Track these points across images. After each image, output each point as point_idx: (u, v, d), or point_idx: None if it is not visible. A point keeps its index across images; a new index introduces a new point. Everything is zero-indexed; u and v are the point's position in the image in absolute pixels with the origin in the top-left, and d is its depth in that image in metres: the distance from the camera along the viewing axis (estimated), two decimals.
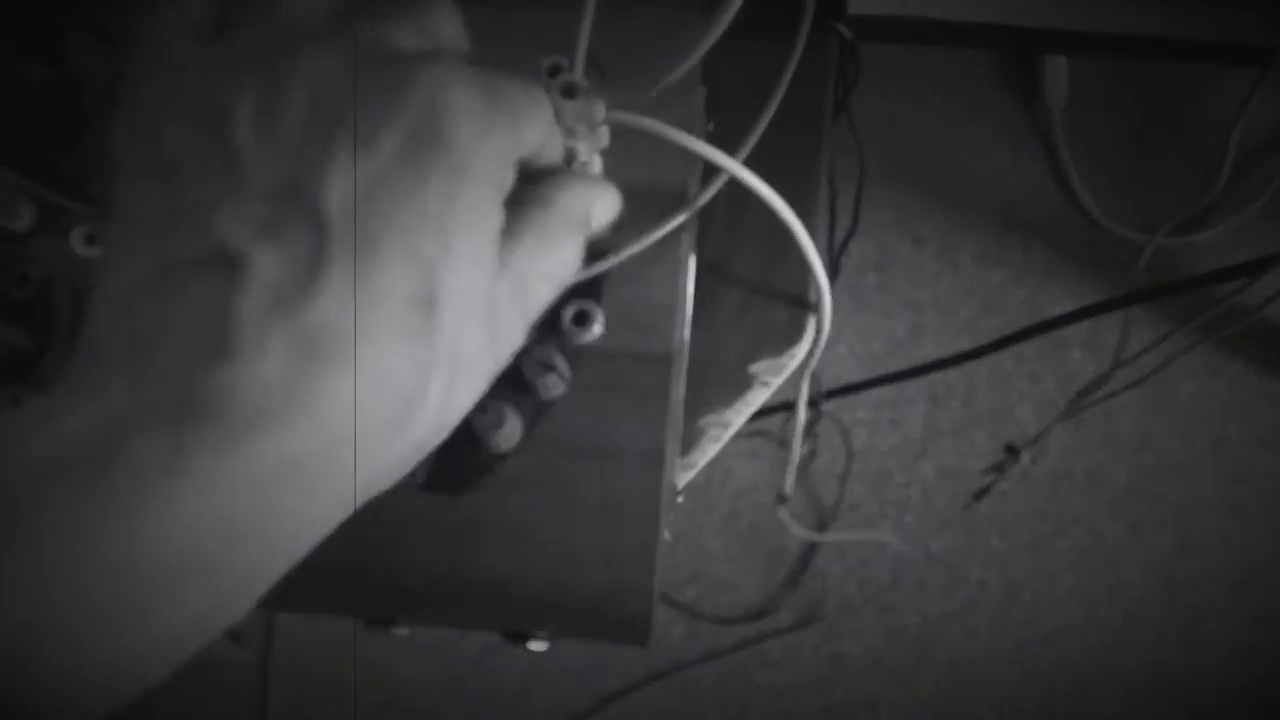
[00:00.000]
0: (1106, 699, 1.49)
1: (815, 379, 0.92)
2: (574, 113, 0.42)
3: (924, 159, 1.52)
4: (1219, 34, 0.56)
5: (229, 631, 0.35)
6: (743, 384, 0.56)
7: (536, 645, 0.50)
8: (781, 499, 0.98)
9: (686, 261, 0.49)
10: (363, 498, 0.35)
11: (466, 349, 0.36)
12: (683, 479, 0.55)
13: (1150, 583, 1.49)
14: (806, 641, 1.51)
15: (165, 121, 0.35)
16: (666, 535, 0.49)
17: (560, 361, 0.47)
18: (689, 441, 0.56)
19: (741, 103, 0.49)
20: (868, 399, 1.50)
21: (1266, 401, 1.49)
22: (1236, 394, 1.49)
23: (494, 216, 0.36)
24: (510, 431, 0.47)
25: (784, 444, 1.49)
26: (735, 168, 0.44)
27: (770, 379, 0.56)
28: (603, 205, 0.43)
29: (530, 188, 0.40)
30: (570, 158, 0.46)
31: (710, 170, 0.46)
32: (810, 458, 1.48)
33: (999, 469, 1.30)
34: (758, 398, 0.57)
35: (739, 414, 0.56)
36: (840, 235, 0.71)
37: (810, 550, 1.51)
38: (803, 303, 0.57)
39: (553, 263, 0.40)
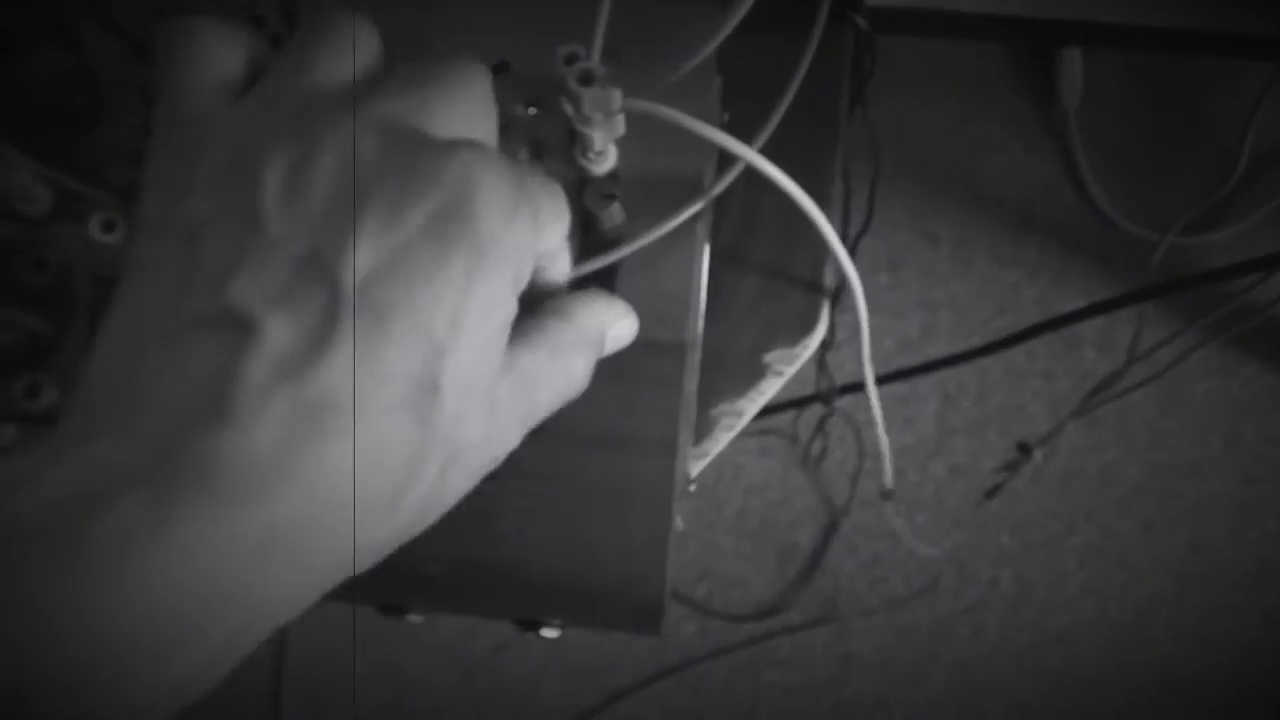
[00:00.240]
0: (1117, 697, 1.49)
1: (829, 375, 0.92)
2: (590, 100, 0.42)
3: (937, 157, 1.52)
4: (1235, 25, 0.56)
5: None
6: (756, 373, 0.57)
7: (549, 632, 0.50)
8: (886, 495, 0.97)
9: (701, 251, 0.49)
10: (342, 574, 0.35)
11: (463, 439, 0.36)
12: (695, 468, 0.55)
13: (1162, 581, 1.49)
14: (817, 639, 1.51)
15: (191, 184, 0.35)
16: (679, 524, 0.49)
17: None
18: (702, 431, 0.56)
19: (757, 94, 0.49)
20: (880, 396, 1.49)
21: None
22: (1250, 393, 1.48)
23: (508, 307, 0.36)
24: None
25: (795, 441, 1.49)
26: (750, 155, 0.44)
27: (784, 368, 0.57)
28: (620, 329, 0.43)
29: (551, 299, 0.40)
30: (586, 145, 0.46)
31: (725, 160, 0.46)
32: (822, 455, 1.48)
33: (1011, 467, 1.30)
34: (771, 387, 0.57)
35: (752, 403, 0.56)
36: (853, 233, 0.71)
37: (821, 548, 1.51)
38: (817, 293, 0.57)
39: (562, 375, 0.40)
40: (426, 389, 0.34)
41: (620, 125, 0.45)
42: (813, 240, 0.48)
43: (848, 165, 0.60)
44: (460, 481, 0.37)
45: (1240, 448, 1.49)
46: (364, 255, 0.33)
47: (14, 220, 0.48)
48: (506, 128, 0.40)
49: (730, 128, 0.44)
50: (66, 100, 0.49)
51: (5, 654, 0.28)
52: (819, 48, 0.50)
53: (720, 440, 0.56)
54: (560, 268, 0.43)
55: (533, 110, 0.48)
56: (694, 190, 0.48)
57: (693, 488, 0.54)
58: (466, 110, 0.37)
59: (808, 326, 0.57)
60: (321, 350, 0.32)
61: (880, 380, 0.87)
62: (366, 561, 0.35)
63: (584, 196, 0.46)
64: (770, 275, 0.57)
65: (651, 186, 0.48)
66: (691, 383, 0.49)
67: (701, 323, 0.49)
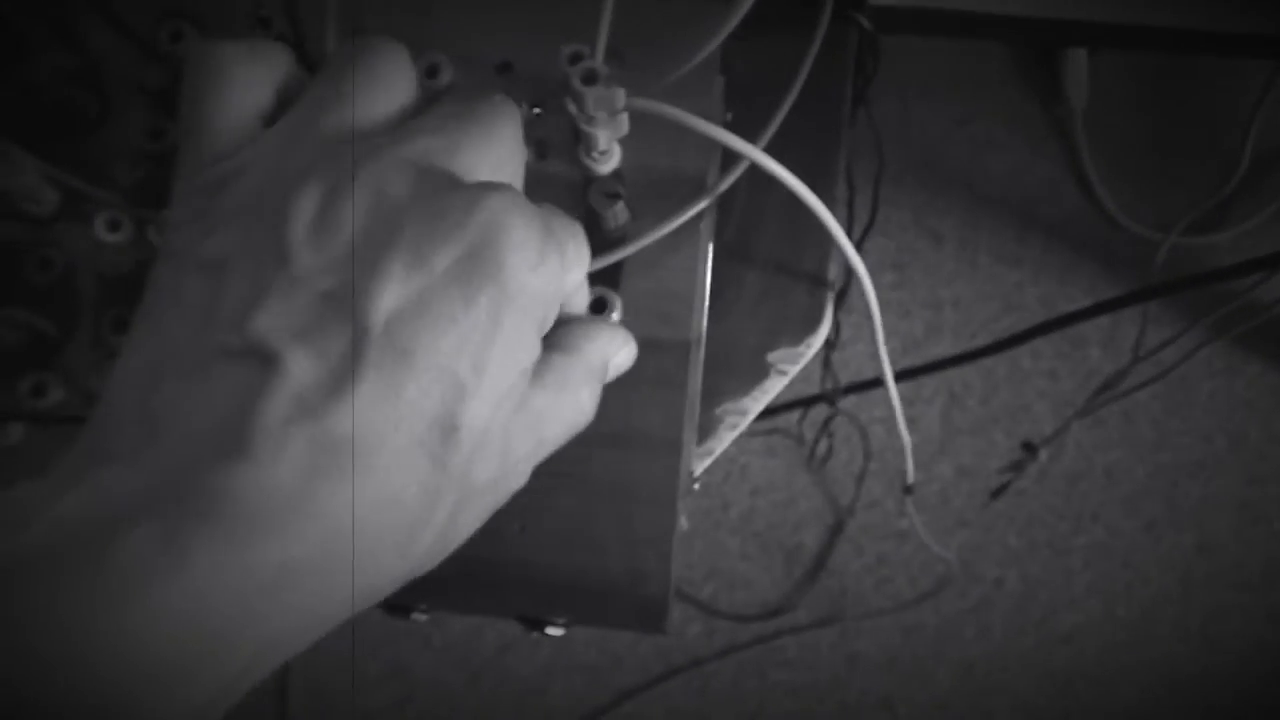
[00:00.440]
0: (1123, 697, 1.49)
1: (833, 375, 0.92)
2: (594, 99, 0.42)
3: (942, 157, 1.52)
4: (1238, 25, 0.56)
5: None
6: (760, 372, 0.57)
7: (554, 631, 0.50)
8: (908, 490, 0.97)
9: (705, 250, 0.49)
10: (352, 610, 0.35)
11: (477, 479, 0.36)
12: (700, 466, 0.55)
13: (1168, 581, 1.49)
14: (823, 639, 1.51)
15: (219, 214, 0.35)
16: (683, 522, 0.49)
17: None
18: (706, 429, 0.56)
19: (760, 94, 0.50)
20: (884, 397, 1.49)
21: None
22: (1255, 392, 1.48)
23: (531, 352, 0.37)
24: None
25: (801, 441, 1.49)
26: (756, 154, 0.44)
27: (788, 367, 0.57)
28: (622, 357, 0.44)
29: (555, 333, 0.40)
30: (590, 144, 0.46)
31: (729, 159, 0.46)
32: (827, 455, 1.48)
33: (1016, 467, 1.30)
34: (775, 386, 0.57)
35: (756, 402, 0.56)
36: (857, 233, 0.71)
37: (827, 548, 1.51)
38: (821, 292, 0.57)
39: (570, 410, 0.40)
40: (446, 430, 0.34)
41: (624, 124, 0.45)
42: (817, 238, 0.48)
43: (851, 165, 0.60)
44: (470, 522, 0.37)
45: (1245, 447, 1.49)
46: (390, 295, 0.33)
47: (20, 220, 0.48)
48: None
49: (733, 127, 0.44)
50: (72, 100, 0.49)
51: (34, 673, 0.28)
52: (822, 47, 0.50)
53: (724, 439, 0.56)
54: (580, 302, 0.44)
55: (537, 110, 0.48)
56: (698, 189, 0.48)
57: (697, 486, 0.54)
58: (498, 153, 0.37)
59: (812, 325, 0.57)
60: (343, 388, 0.32)
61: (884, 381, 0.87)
62: (375, 598, 0.35)
63: (588, 196, 0.46)
64: (774, 274, 0.57)
65: (655, 185, 0.48)
66: (696, 381, 0.49)
67: (705, 321, 0.49)
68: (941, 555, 1.37)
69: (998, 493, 1.39)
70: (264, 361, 0.32)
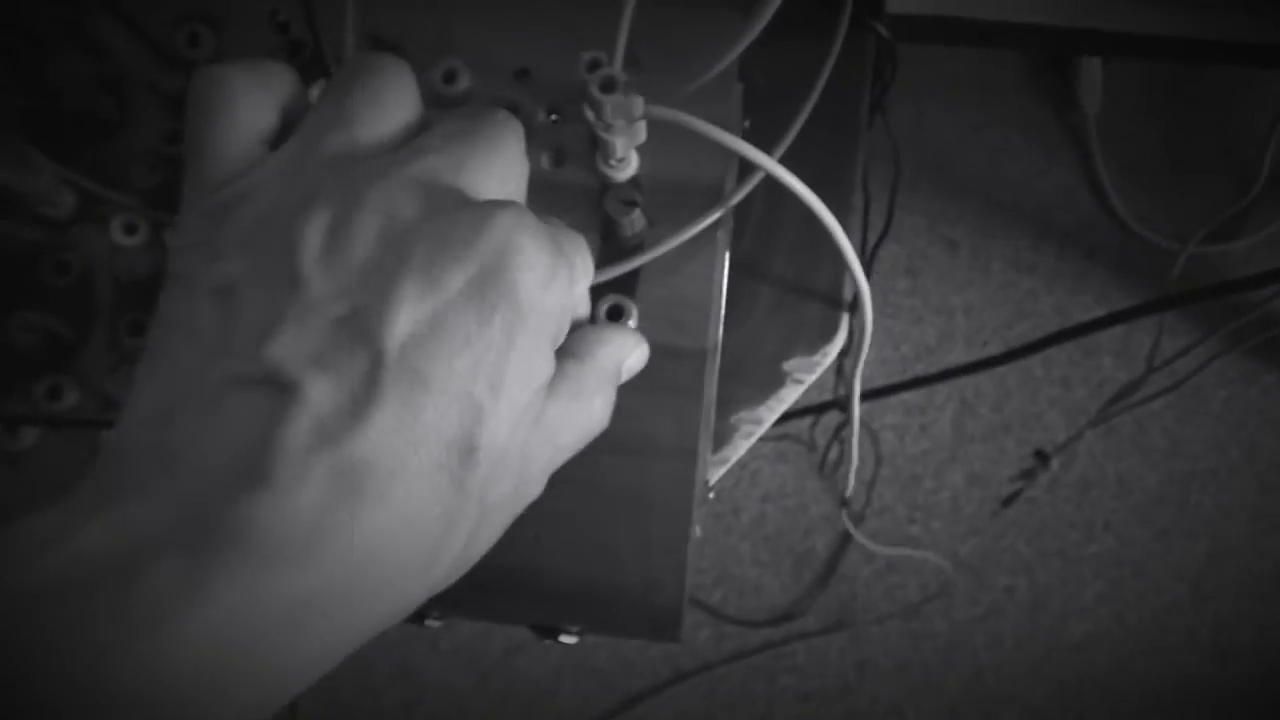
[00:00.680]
0: (1134, 707, 1.49)
1: (846, 382, 0.92)
2: (613, 107, 0.42)
3: (956, 164, 1.51)
4: (1255, 35, 0.56)
5: None
6: (775, 381, 0.56)
7: (567, 638, 0.50)
8: (843, 503, 0.97)
9: (721, 258, 0.49)
10: (374, 634, 0.35)
11: (495, 498, 0.36)
12: (714, 475, 0.55)
13: (1179, 590, 1.48)
14: (833, 646, 1.51)
15: (227, 239, 0.35)
16: (697, 531, 0.49)
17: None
18: (721, 438, 0.56)
19: (777, 101, 0.49)
20: (897, 404, 1.50)
21: None
22: (1270, 401, 1.48)
23: (546, 368, 0.37)
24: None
25: (812, 447, 1.49)
26: (771, 165, 0.44)
27: (803, 377, 0.56)
28: (635, 359, 0.43)
29: (567, 339, 0.40)
30: (608, 152, 0.46)
31: (746, 167, 0.46)
32: (838, 462, 1.48)
33: (1028, 475, 1.30)
34: (790, 395, 0.57)
35: (771, 411, 0.56)
36: (872, 239, 0.71)
37: (837, 555, 1.51)
38: (836, 301, 0.57)
39: (584, 418, 0.40)
40: (464, 452, 0.34)
41: (642, 132, 0.45)
42: (833, 248, 0.48)
43: (867, 171, 0.60)
44: (489, 537, 0.37)
45: (1259, 456, 1.48)
46: (405, 318, 0.33)
47: (37, 223, 0.48)
48: (527, 135, 0.40)
49: (751, 135, 0.44)
50: (90, 104, 0.49)
51: (63, 699, 0.28)
52: (840, 55, 0.50)
53: (739, 447, 0.56)
54: (583, 311, 0.44)
55: (554, 117, 0.48)
56: (715, 197, 0.48)
57: (712, 495, 0.54)
58: (503, 170, 0.37)
59: (828, 335, 0.57)
60: (362, 414, 0.32)
61: (897, 388, 0.87)
62: (397, 620, 0.35)
63: (605, 203, 0.46)
64: (790, 283, 0.57)
65: (672, 193, 0.48)
66: (711, 390, 0.49)
67: (721, 330, 0.49)
68: (936, 561, 1.37)
69: (1009, 500, 1.38)
70: (282, 390, 0.32)
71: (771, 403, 0.56)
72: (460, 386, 0.33)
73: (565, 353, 0.40)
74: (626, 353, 0.43)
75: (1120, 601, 1.49)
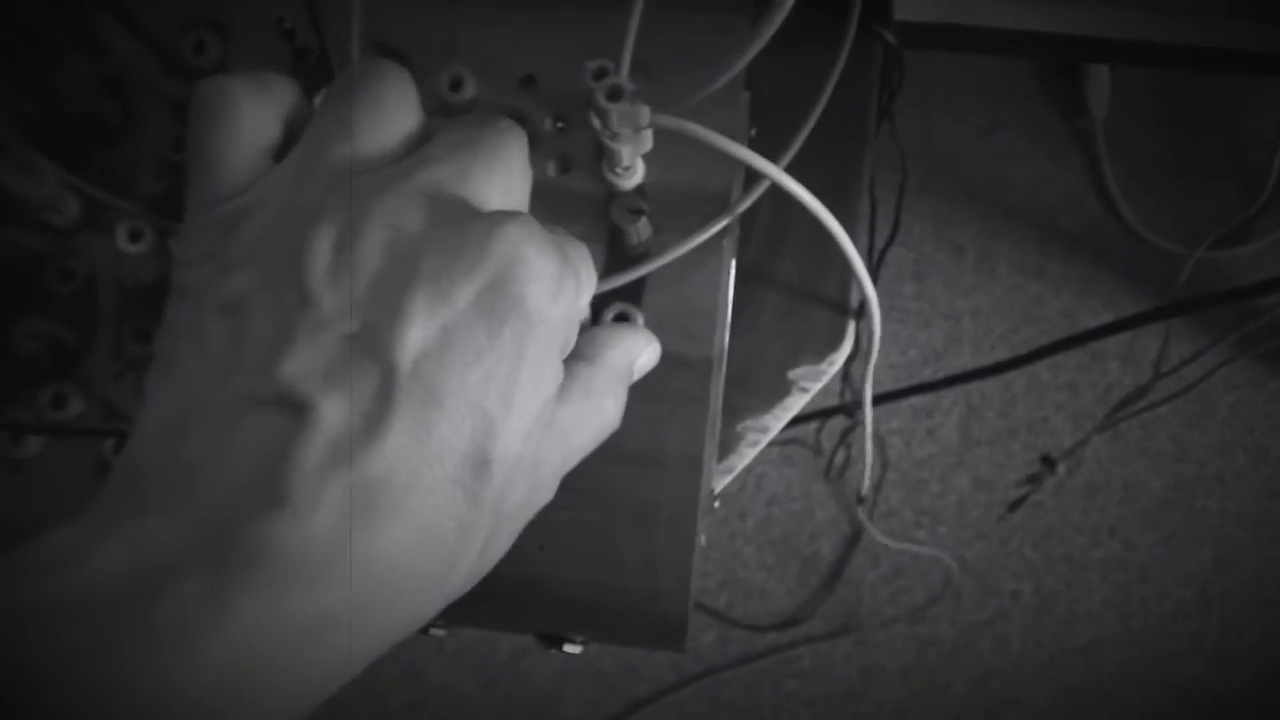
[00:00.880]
0: (1140, 711, 1.48)
1: (853, 387, 0.92)
2: (619, 116, 0.42)
3: (963, 169, 1.51)
4: (1260, 44, 0.56)
5: None
6: (781, 390, 0.56)
7: (572, 648, 0.50)
8: (859, 499, 0.97)
9: (728, 266, 0.49)
10: (393, 643, 0.35)
11: (509, 507, 0.36)
12: (720, 484, 0.55)
13: (1185, 595, 1.48)
14: (838, 650, 1.50)
15: (233, 254, 0.35)
16: (702, 540, 0.48)
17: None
18: (727, 446, 0.56)
19: (784, 108, 0.49)
20: (903, 408, 1.49)
21: None
22: (1277, 408, 1.48)
23: (555, 378, 0.37)
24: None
25: (818, 451, 1.49)
26: (778, 174, 0.44)
27: (809, 385, 0.56)
28: (646, 357, 0.43)
29: (578, 341, 0.40)
30: (614, 160, 0.46)
31: (753, 175, 0.46)
32: (845, 466, 1.48)
33: (1034, 480, 1.30)
34: (796, 403, 0.56)
35: (777, 419, 0.56)
36: (879, 244, 0.71)
37: (843, 559, 1.50)
38: (843, 309, 0.57)
39: (595, 420, 0.40)
40: (478, 465, 0.34)
41: (648, 140, 0.45)
42: (839, 256, 0.48)
43: (874, 177, 0.60)
44: (503, 546, 0.37)
45: (1266, 462, 1.48)
46: (415, 333, 0.33)
47: (42, 230, 0.48)
48: (533, 142, 0.40)
49: (758, 142, 0.44)
50: (95, 109, 0.49)
51: (89, 713, 0.28)
52: (847, 62, 0.50)
53: (745, 456, 0.56)
54: (586, 317, 0.44)
55: (560, 124, 0.48)
56: (721, 205, 0.47)
57: (717, 504, 0.54)
58: (507, 180, 0.37)
59: (834, 342, 0.57)
60: (376, 432, 0.32)
61: (904, 393, 0.86)
62: (412, 631, 0.35)
63: (611, 211, 0.46)
64: (796, 290, 0.57)
65: (678, 201, 0.47)
66: (717, 398, 0.48)
67: (728, 338, 0.49)
68: (944, 559, 1.37)
69: (1015, 505, 1.38)
70: (295, 409, 0.32)
71: (777, 411, 0.56)
72: (472, 400, 0.33)
73: (576, 356, 0.40)
74: (638, 352, 0.42)
75: (1126, 606, 1.49)
